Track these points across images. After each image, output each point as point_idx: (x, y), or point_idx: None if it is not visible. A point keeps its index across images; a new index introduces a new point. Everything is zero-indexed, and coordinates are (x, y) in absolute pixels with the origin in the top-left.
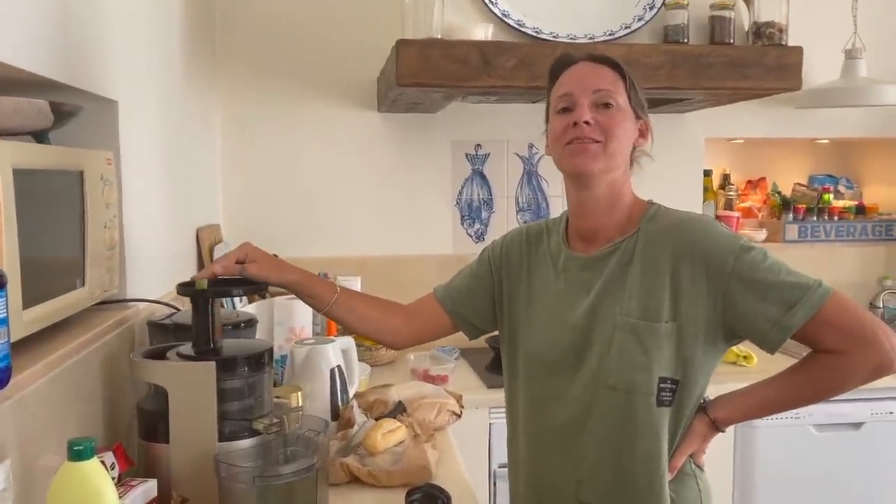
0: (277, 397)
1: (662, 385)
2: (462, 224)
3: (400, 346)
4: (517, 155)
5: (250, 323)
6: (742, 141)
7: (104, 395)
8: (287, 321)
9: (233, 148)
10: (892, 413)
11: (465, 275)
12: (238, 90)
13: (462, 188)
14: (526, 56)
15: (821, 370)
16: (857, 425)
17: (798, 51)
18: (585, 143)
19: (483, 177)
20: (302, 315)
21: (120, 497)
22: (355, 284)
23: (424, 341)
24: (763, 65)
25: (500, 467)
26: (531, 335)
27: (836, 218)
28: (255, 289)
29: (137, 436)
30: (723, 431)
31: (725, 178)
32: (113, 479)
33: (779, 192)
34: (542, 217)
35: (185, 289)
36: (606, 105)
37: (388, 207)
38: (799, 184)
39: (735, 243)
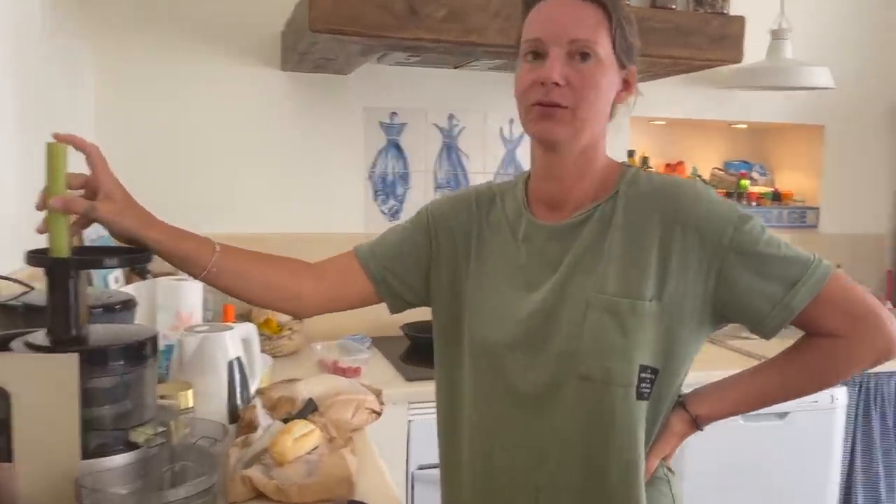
0: (162, 397)
1: (643, 374)
2: (375, 200)
3: (306, 315)
4: (436, 126)
5: (128, 305)
6: (663, 122)
7: None
8: (173, 305)
9: (109, 109)
10: (816, 402)
11: (397, 236)
12: (113, 43)
13: (376, 160)
14: (458, 7)
15: (820, 357)
16: (782, 415)
17: (740, 21)
18: (552, 104)
19: (399, 148)
20: (191, 298)
21: None
22: None
23: (337, 310)
24: (705, 33)
25: (419, 469)
26: (482, 315)
27: (754, 204)
28: (136, 259)
29: None
30: (702, 430)
31: (644, 161)
32: None
33: (699, 177)
34: None
35: (38, 257)
36: (583, 56)
37: (291, 179)
38: (717, 168)
39: (733, 212)
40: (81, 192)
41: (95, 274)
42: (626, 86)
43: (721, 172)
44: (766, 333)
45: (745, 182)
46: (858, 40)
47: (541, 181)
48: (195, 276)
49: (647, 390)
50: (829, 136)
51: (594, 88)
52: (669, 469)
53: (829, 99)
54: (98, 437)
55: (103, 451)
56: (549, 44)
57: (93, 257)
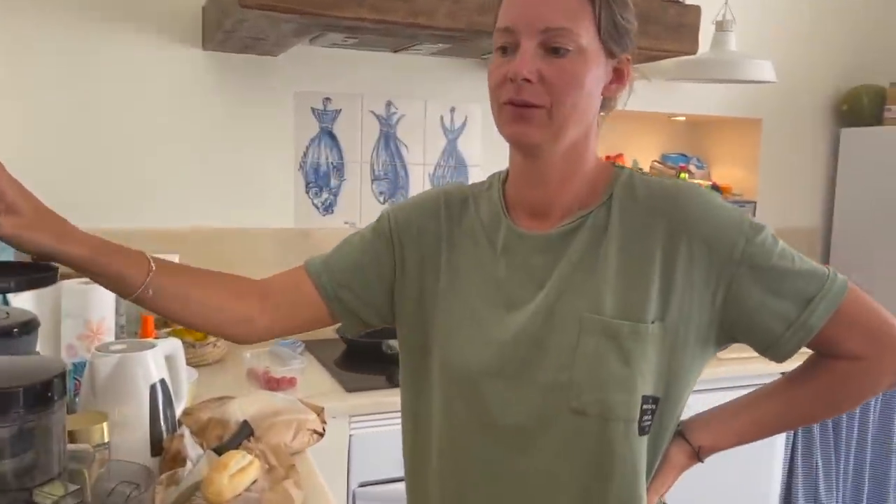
0: (70, 433)
1: (645, 406)
2: (307, 192)
3: (252, 341)
4: (373, 113)
5: (27, 327)
6: (603, 114)
7: None
8: (81, 312)
9: (5, 87)
10: None
11: (354, 247)
12: (10, 8)
13: (307, 149)
14: None
15: (836, 381)
16: None
17: (696, 10)
18: (525, 104)
19: (333, 137)
20: (101, 304)
21: None
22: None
23: (289, 333)
24: (663, 22)
25: (360, 486)
26: (453, 338)
27: None
28: (38, 281)
29: None
30: (702, 461)
31: (639, 171)
32: None
33: (639, 169)
34: (401, 187)
35: None
36: (558, 51)
37: (214, 169)
38: (657, 161)
39: (742, 221)
40: None
41: None
42: (618, 76)
43: (660, 165)
44: (780, 356)
45: (684, 175)
46: (797, 33)
47: (520, 187)
48: (125, 297)
49: (649, 423)
50: (767, 129)
51: (573, 85)
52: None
53: (768, 92)
54: None
55: None
56: (520, 34)
57: None
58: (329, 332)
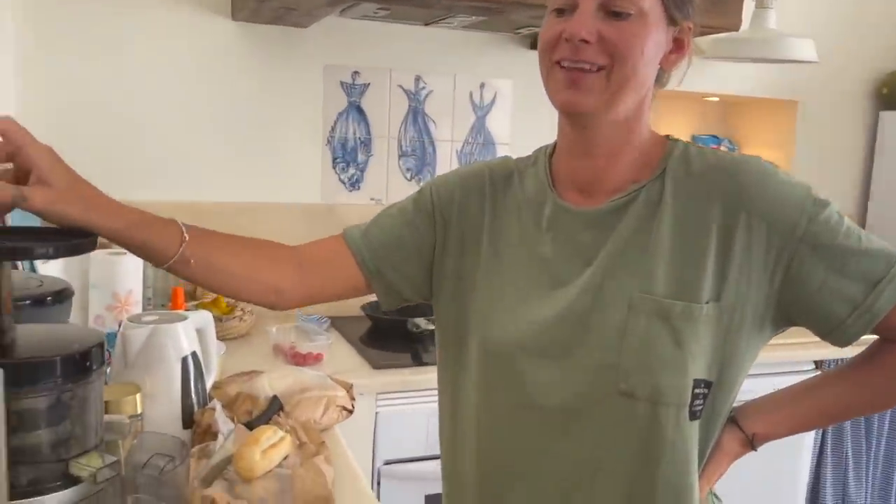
0: (105, 404)
1: (697, 391)
2: (334, 167)
3: (286, 308)
4: (402, 88)
5: (61, 296)
6: (657, 87)
7: None
8: (108, 283)
9: (34, 58)
10: None
11: (395, 219)
12: None
13: (335, 124)
14: None
15: None
16: None
17: None
18: (579, 69)
19: (361, 111)
20: (129, 274)
21: None
22: None
23: (321, 302)
24: None
25: (385, 464)
26: (495, 315)
27: None
28: (77, 247)
29: None
30: (755, 450)
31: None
32: None
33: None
34: (428, 164)
35: None
36: (619, 14)
37: (242, 142)
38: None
39: (805, 196)
40: (9, 167)
41: None
42: (678, 46)
43: None
44: (843, 341)
45: None
46: (838, 12)
47: (568, 158)
48: (158, 266)
49: (700, 408)
50: (803, 111)
51: (634, 47)
52: (715, 495)
53: (805, 73)
54: (31, 470)
55: (38, 489)
56: None
57: (21, 245)
58: (355, 308)
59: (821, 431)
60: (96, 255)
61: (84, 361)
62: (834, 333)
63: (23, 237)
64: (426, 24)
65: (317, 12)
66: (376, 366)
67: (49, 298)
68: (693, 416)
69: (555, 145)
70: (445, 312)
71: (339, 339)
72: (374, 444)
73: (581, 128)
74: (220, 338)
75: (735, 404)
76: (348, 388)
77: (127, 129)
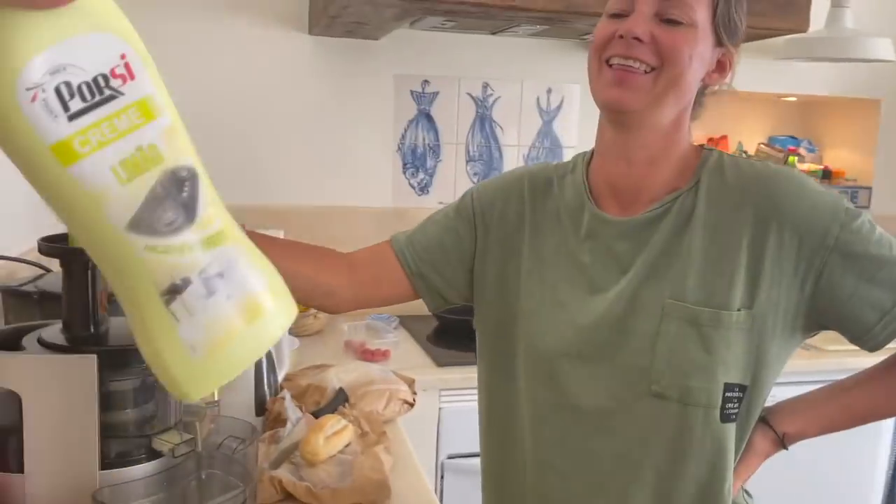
0: None
1: (729, 394)
2: (404, 173)
3: (337, 311)
4: (470, 95)
5: None
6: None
7: None
8: None
9: None
10: None
11: (438, 225)
12: (133, 4)
13: (405, 131)
14: None
15: None
16: None
17: None
18: (630, 67)
19: (430, 118)
20: None
21: None
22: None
23: (372, 306)
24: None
25: (449, 458)
26: (537, 320)
27: None
28: None
29: None
30: (787, 449)
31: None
32: None
33: (745, 152)
34: (495, 168)
35: (51, 246)
36: (673, 22)
37: (317, 149)
38: (763, 143)
39: (838, 206)
40: None
41: None
42: (720, 67)
43: (767, 148)
44: (873, 346)
45: (793, 159)
46: None
47: (607, 164)
48: None
49: (735, 411)
50: (886, 110)
51: (683, 52)
52: (747, 492)
53: (888, 71)
54: (119, 445)
55: (125, 461)
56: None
57: None
58: (423, 308)
59: None
60: None
61: None
62: (863, 339)
63: None
64: (493, 34)
65: (387, 25)
66: (440, 363)
67: None
68: (727, 418)
69: (592, 152)
70: (487, 315)
71: (407, 337)
72: (437, 438)
73: (623, 129)
74: (295, 334)
75: (767, 404)
76: (410, 382)
77: (213, 137)
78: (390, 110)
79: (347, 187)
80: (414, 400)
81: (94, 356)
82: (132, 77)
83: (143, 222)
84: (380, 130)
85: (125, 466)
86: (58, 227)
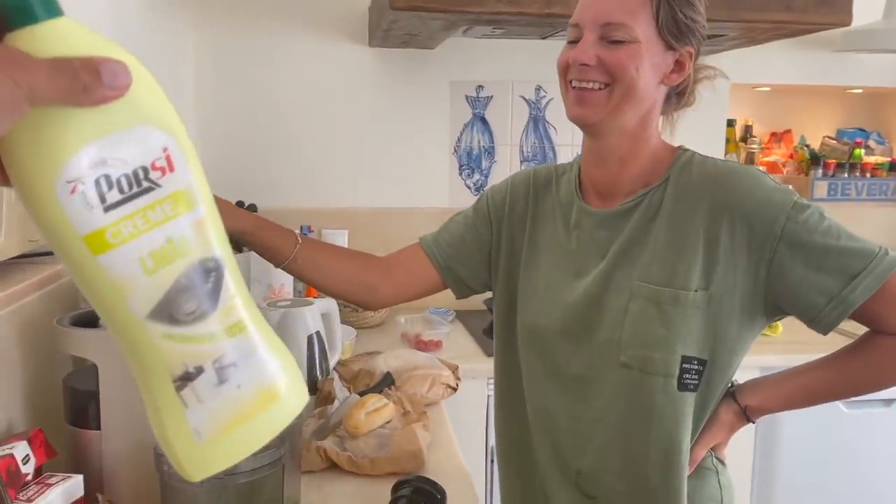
0: None
1: (686, 366)
2: (460, 174)
3: (377, 306)
4: (523, 98)
5: None
6: (768, 89)
7: (23, 369)
8: (265, 278)
9: (206, 84)
10: None
11: (459, 224)
12: (212, 18)
13: (461, 134)
14: None
15: (883, 355)
16: (889, 402)
17: None
18: (586, 88)
19: (484, 122)
20: (281, 272)
21: (31, 500)
22: (342, 239)
23: (407, 300)
24: None
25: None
26: (532, 301)
27: (868, 175)
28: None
29: (64, 420)
30: (753, 422)
31: (747, 130)
32: (27, 475)
33: (807, 146)
34: None
35: None
36: (616, 42)
37: (378, 154)
38: (828, 137)
39: (787, 199)
40: None
41: None
42: (679, 67)
43: (832, 141)
44: (822, 328)
45: (860, 151)
46: None
47: (588, 166)
48: (278, 265)
49: (694, 381)
50: None
51: (627, 68)
52: (720, 460)
53: None
54: None
55: None
56: (584, 28)
57: None
58: (478, 303)
59: None
60: (255, 255)
61: None
62: (814, 322)
63: None
64: (542, 38)
65: (438, 35)
66: (490, 353)
67: None
68: (684, 387)
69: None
70: (499, 300)
71: (461, 330)
72: (486, 425)
73: (594, 137)
74: (357, 326)
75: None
76: (454, 368)
77: (281, 144)
78: (446, 115)
79: (407, 189)
80: (457, 385)
81: None
82: (172, 169)
83: (163, 312)
84: (437, 134)
85: None
86: None
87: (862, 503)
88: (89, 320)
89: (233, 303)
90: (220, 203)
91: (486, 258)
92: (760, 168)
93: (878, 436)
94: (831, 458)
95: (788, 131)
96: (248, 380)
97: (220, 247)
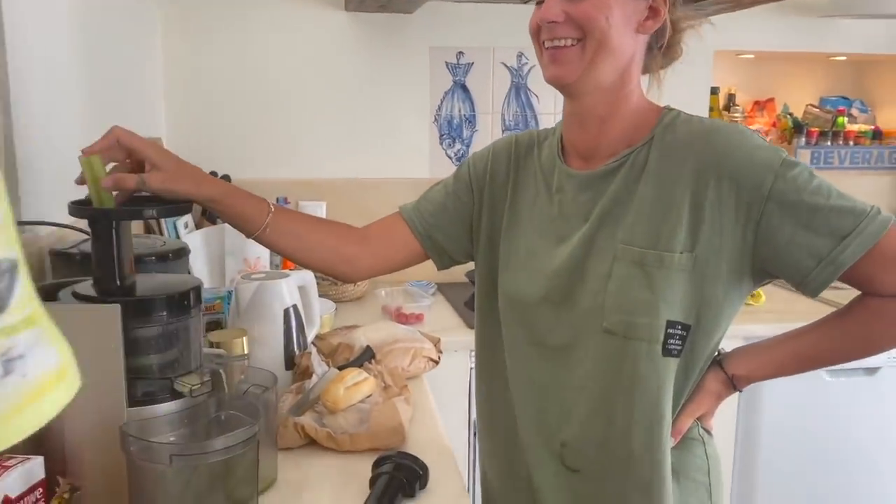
0: (217, 344)
1: (671, 331)
2: (441, 144)
3: (356, 278)
4: (504, 65)
5: (180, 253)
6: (752, 56)
7: None
8: (240, 251)
9: (176, 51)
10: None
11: (439, 192)
12: None
13: (441, 102)
14: None
15: (874, 319)
16: (872, 370)
17: None
18: (558, 46)
19: (465, 89)
20: (258, 244)
21: None
22: (320, 211)
23: (387, 271)
24: None
25: None
26: (513, 269)
27: (851, 143)
28: (173, 210)
29: None
30: (739, 391)
31: (730, 99)
32: None
33: (790, 114)
34: None
35: (80, 208)
36: None
37: (356, 123)
38: (811, 105)
39: (774, 158)
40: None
41: (165, 221)
42: (653, 13)
43: (815, 109)
44: (811, 291)
45: (843, 119)
46: None
47: (568, 128)
48: (249, 235)
49: (678, 347)
50: None
51: (597, 19)
52: (706, 431)
53: None
54: (144, 385)
55: (149, 400)
56: None
57: (133, 208)
58: (460, 275)
59: None
60: (229, 227)
61: (183, 301)
62: (802, 285)
63: (133, 202)
64: (525, 2)
65: None
66: (472, 325)
67: (170, 255)
68: (668, 353)
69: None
70: (480, 269)
71: (443, 303)
72: (468, 398)
73: (573, 97)
74: (336, 300)
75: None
76: (436, 341)
77: (256, 113)
78: (426, 82)
79: (386, 160)
80: (439, 358)
81: (118, 306)
82: None
83: None
84: (416, 103)
85: (150, 405)
86: (84, 192)
87: (845, 472)
88: (50, 293)
89: (21, 302)
90: (189, 169)
91: (468, 226)
92: (745, 126)
93: (862, 405)
94: (814, 427)
95: (771, 100)
96: (32, 370)
97: (14, 248)
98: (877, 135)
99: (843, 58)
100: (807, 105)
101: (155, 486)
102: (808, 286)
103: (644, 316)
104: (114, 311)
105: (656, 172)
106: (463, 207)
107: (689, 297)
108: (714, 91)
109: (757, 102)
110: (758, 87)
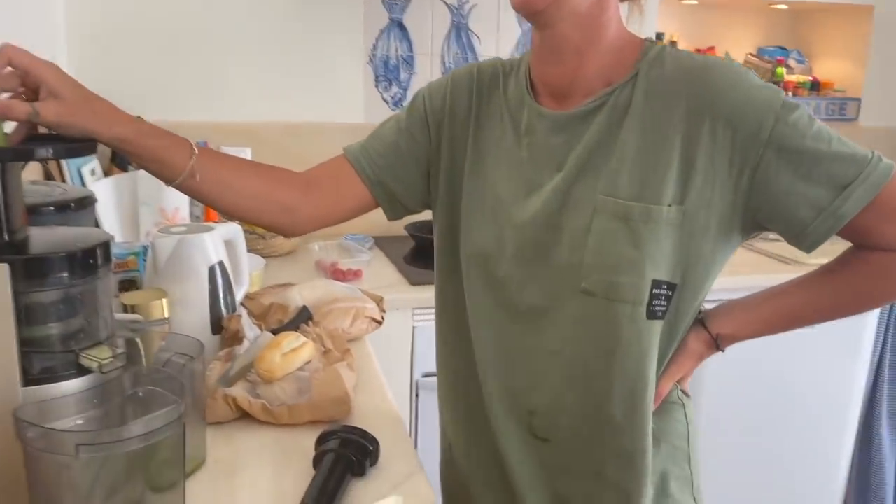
0: (131, 308)
1: (656, 291)
2: (376, 86)
3: (297, 232)
4: (444, 3)
5: (84, 203)
6: (695, 2)
7: None
8: (155, 200)
9: None
10: None
11: (391, 129)
12: None
13: (377, 42)
14: None
15: (871, 274)
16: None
17: None
18: None
19: (403, 28)
20: (175, 192)
21: None
22: (245, 156)
23: (332, 223)
24: None
25: (423, 377)
26: (475, 220)
27: (790, 94)
28: (73, 150)
29: None
30: (723, 351)
31: (672, 46)
32: None
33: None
34: None
35: None
36: None
37: (284, 62)
38: (751, 55)
39: (775, 98)
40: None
41: (67, 166)
42: None
43: (755, 59)
44: (808, 245)
45: (781, 70)
46: None
47: (538, 63)
48: (169, 183)
49: (663, 308)
50: (879, 18)
51: None
52: (685, 392)
53: None
54: (42, 360)
55: (50, 377)
56: None
57: (22, 147)
58: (399, 228)
59: (878, 353)
60: (143, 173)
61: (88, 259)
62: (799, 238)
63: (25, 141)
64: None
65: None
66: (413, 282)
67: (72, 205)
68: (653, 315)
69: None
70: (440, 219)
71: (382, 257)
72: (411, 357)
73: (544, 27)
74: (265, 255)
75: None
76: (379, 300)
77: (172, 48)
78: (360, 19)
79: (317, 102)
80: (382, 318)
81: (6, 265)
82: None
83: None
84: (349, 41)
85: (51, 383)
86: None
87: (784, 427)
88: None
89: None
90: (96, 101)
91: (424, 170)
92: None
93: (803, 358)
94: (754, 380)
95: (712, 48)
96: None
97: None
98: (815, 86)
99: (784, 6)
100: (747, 54)
101: (59, 480)
102: (806, 240)
103: (628, 275)
104: (2, 271)
105: (642, 115)
106: (418, 147)
107: (676, 254)
108: (659, 37)
109: (698, 50)
110: (700, 35)
